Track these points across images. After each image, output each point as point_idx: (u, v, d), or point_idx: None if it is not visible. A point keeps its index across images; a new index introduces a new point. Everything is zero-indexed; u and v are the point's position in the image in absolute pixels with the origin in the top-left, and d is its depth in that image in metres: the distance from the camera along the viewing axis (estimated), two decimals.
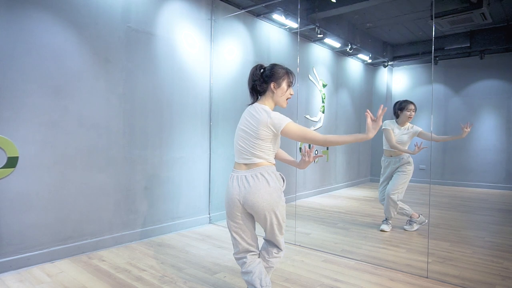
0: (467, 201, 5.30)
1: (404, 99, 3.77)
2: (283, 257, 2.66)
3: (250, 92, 1.90)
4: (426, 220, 3.71)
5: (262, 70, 1.87)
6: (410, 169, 3.69)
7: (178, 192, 3.73)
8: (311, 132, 1.74)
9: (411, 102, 3.69)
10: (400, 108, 3.72)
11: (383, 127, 3.76)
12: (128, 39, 3.24)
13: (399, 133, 3.69)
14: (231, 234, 1.89)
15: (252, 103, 1.89)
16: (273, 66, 1.87)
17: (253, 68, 1.88)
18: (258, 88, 1.85)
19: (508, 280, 2.48)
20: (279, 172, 1.85)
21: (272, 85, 1.83)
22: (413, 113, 3.67)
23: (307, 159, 1.89)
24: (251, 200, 1.74)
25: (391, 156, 3.79)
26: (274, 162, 1.87)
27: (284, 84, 1.84)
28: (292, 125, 1.73)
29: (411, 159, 3.71)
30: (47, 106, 2.72)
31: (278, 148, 1.91)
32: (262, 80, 1.84)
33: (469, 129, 3.44)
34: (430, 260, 2.78)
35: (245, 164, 1.81)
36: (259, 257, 1.93)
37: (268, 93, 1.85)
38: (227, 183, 1.88)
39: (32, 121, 2.63)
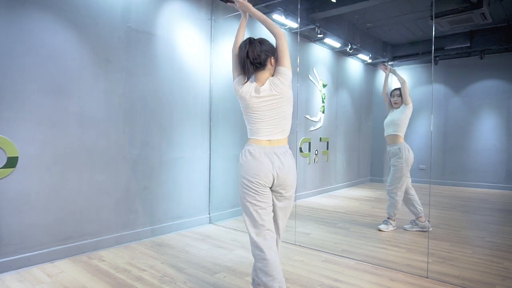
0: (467, 201, 5.30)
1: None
2: (281, 257, 2.66)
3: (247, 68, 1.75)
4: (431, 229, 3.68)
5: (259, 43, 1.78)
6: (400, 162, 3.66)
7: (178, 192, 3.73)
8: (285, 39, 1.82)
9: (395, 88, 3.80)
10: (390, 95, 3.89)
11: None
12: (128, 39, 3.24)
13: (392, 113, 3.83)
14: (251, 212, 1.75)
15: (244, 83, 1.77)
16: (265, 40, 1.82)
17: (250, 41, 1.77)
18: (262, 61, 1.76)
19: (508, 280, 2.48)
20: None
21: (272, 59, 1.80)
22: (396, 98, 3.76)
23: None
24: (285, 175, 1.76)
25: (388, 145, 3.84)
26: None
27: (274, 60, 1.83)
28: (286, 55, 1.81)
29: (400, 152, 3.67)
30: (47, 106, 2.72)
31: None
32: (265, 54, 1.77)
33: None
34: (430, 260, 2.78)
35: (275, 140, 1.79)
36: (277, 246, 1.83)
37: (268, 68, 1.80)
38: (247, 158, 1.75)
39: (32, 121, 2.63)
